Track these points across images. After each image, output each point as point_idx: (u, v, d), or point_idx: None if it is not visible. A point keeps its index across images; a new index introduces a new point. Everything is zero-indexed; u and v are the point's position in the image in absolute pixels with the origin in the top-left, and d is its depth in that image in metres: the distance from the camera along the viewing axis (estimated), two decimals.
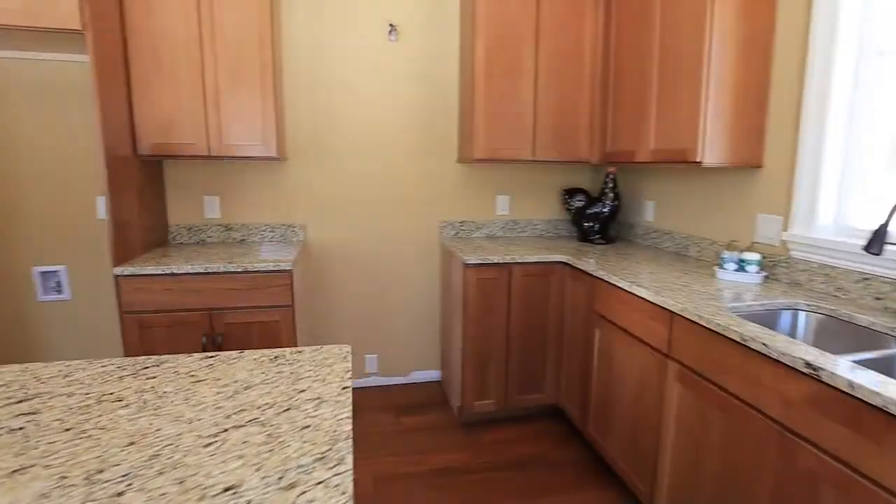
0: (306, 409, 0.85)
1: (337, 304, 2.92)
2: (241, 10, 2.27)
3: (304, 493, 0.63)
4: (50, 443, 0.74)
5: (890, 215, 1.29)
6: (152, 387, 0.94)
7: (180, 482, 0.64)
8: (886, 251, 1.46)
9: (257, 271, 2.17)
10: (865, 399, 0.97)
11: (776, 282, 1.83)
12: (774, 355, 1.18)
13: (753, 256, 1.80)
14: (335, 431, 0.77)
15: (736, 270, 1.84)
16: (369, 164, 2.84)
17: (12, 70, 2.36)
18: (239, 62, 2.30)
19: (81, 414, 0.83)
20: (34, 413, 0.83)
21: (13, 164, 2.43)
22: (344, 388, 0.94)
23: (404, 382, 3.07)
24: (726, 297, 1.62)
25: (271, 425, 0.79)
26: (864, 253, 1.42)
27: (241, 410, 0.84)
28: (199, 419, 0.81)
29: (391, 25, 2.73)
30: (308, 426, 0.79)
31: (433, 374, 3.11)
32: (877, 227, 1.31)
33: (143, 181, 2.36)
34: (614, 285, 1.95)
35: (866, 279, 1.53)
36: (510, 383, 2.51)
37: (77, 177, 2.50)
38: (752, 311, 1.55)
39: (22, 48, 2.29)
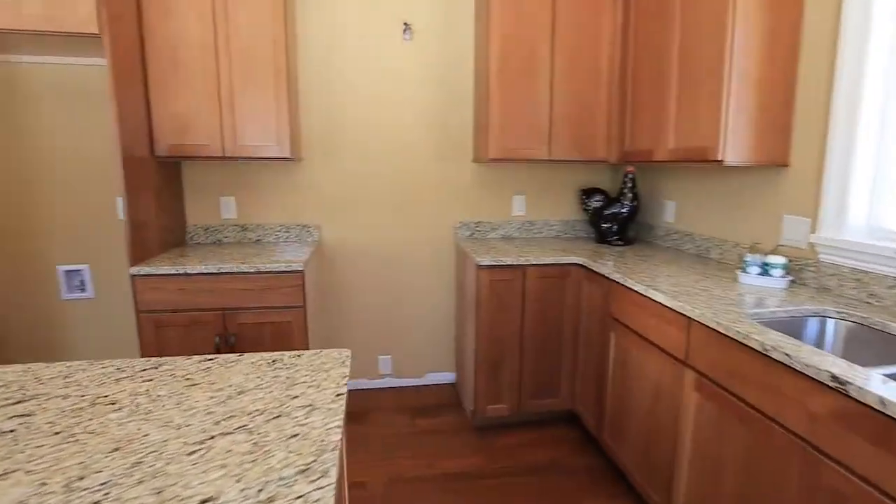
0: (297, 417, 0.83)
1: (351, 304, 2.92)
2: (255, 12, 2.28)
3: None
4: (37, 446, 0.73)
5: None
6: (147, 390, 0.93)
7: (158, 492, 0.63)
8: None
9: (269, 272, 2.18)
10: None
11: (803, 287, 1.73)
12: (798, 367, 1.10)
13: (778, 260, 1.71)
14: (323, 441, 0.75)
15: (759, 274, 1.75)
16: (384, 163, 2.82)
17: (37, 74, 2.43)
18: (253, 63, 2.31)
19: (73, 417, 0.83)
20: (28, 415, 0.83)
21: (38, 166, 2.49)
22: (338, 394, 0.91)
23: (419, 384, 3.05)
24: (748, 302, 1.54)
25: (259, 433, 0.77)
26: None
27: (231, 416, 0.83)
28: (188, 425, 0.80)
29: (406, 25, 2.70)
30: (296, 435, 0.77)
31: (448, 376, 3.08)
32: None
33: (160, 182, 2.39)
34: (630, 288, 1.88)
35: None
36: (524, 387, 2.46)
37: (99, 178, 2.55)
38: (775, 317, 1.47)
39: (45, 53, 2.34)
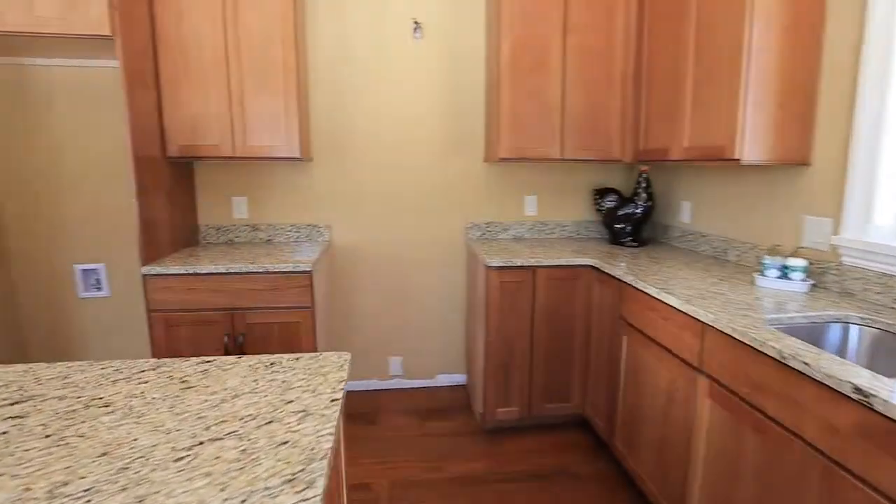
0: (289, 423, 0.81)
1: (361, 304, 2.91)
2: (264, 12, 2.28)
3: None
4: (26, 450, 0.73)
5: None
6: (142, 392, 0.92)
7: (140, 501, 0.61)
8: None
9: (278, 272, 2.17)
10: None
11: (824, 291, 1.66)
12: (818, 377, 1.05)
13: (799, 262, 1.65)
14: (313, 449, 0.73)
15: (778, 278, 1.69)
16: (395, 163, 2.81)
17: (54, 76, 2.47)
18: (263, 64, 2.31)
19: (66, 419, 0.82)
20: (22, 417, 0.83)
21: (57, 167, 2.53)
22: (333, 400, 0.89)
23: (429, 386, 3.02)
24: (766, 307, 1.48)
25: (249, 439, 0.76)
26: None
27: (223, 421, 0.81)
28: (178, 430, 0.78)
29: (416, 23, 2.68)
30: (286, 442, 0.75)
31: (459, 378, 3.05)
32: None
33: (172, 182, 2.41)
34: (642, 291, 1.82)
35: None
36: (534, 391, 2.42)
37: (115, 178, 2.58)
38: (794, 323, 1.40)
39: (60, 55, 2.38)
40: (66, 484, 0.65)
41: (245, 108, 2.33)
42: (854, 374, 1.01)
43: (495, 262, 2.28)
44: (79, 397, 0.90)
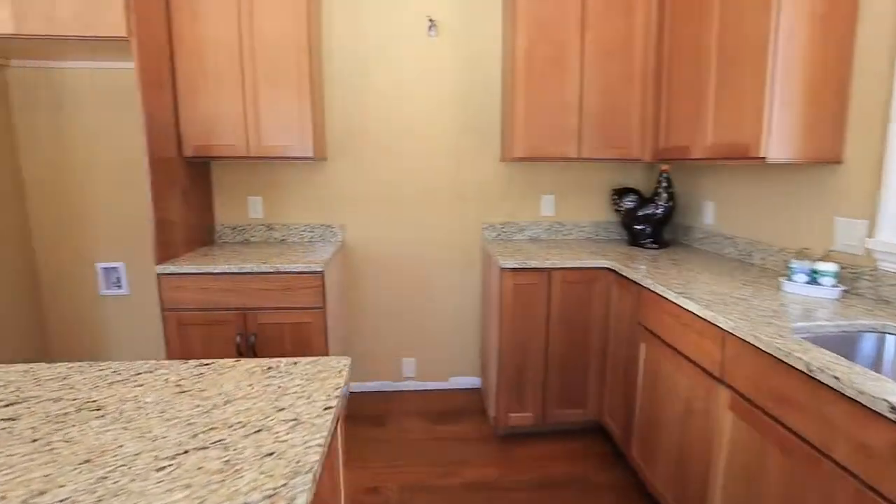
0: (278, 432, 0.78)
1: (375, 304, 2.89)
2: (278, 11, 2.27)
3: None
4: (10, 455, 0.71)
5: None
6: (136, 396, 0.90)
7: None
8: None
9: (289, 272, 2.16)
10: None
11: (857, 298, 1.56)
12: (850, 392, 0.97)
13: (829, 267, 1.55)
14: (299, 462, 0.69)
15: (807, 283, 1.59)
16: (409, 162, 2.77)
17: (80, 79, 2.51)
18: (277, 63, 2.31)
19: (56, 423, 0.80)
20: (13, 419, 0.82)
21: (79, 167, 2.58)
22: (327, 408, 0.86)
23: (442, 388, 2.98)
24: (793, 314, 1.39)
25: (234, 449, 0.73)
26: None
27: (211, 429, 0.79)
28: (165, 437, 0.76)
29: (431, 21, 2.64)
30: (272, 453, 0.72)
31: (473, 381, 3.00)
32: None
33: (188, 182, 2.43)
34: (660, 295, 1.75)
35: None
36: (549, 396, 2.36)
37: (135, 178, 2.62)
38: (823, 332, 1.32)
39: (80, 57, 2.42)
40: (42, 493, 0.63)
41: (259, 108, 2.33)
42: (890, 391, 0.92)
43: (510, 264, 2.22)
44: (73, 400, 0.89)
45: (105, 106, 2.55)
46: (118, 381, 0.96)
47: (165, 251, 2.20)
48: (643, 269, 2.02)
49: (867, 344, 1.33)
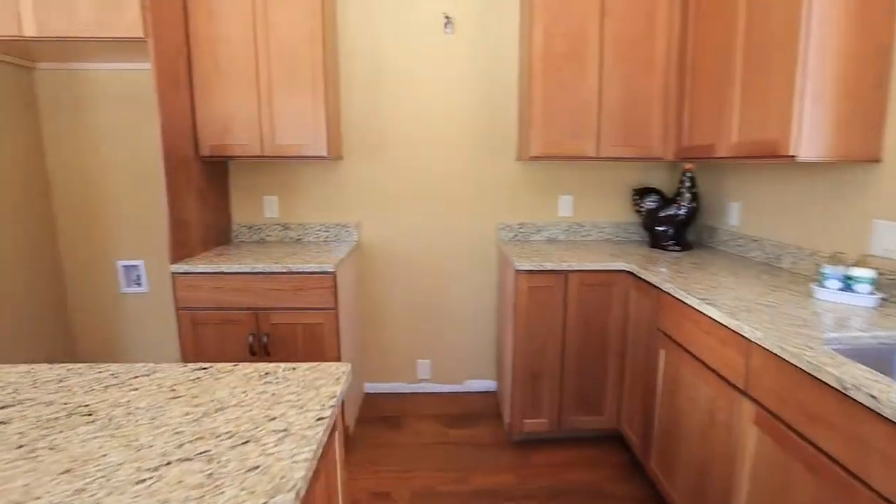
0: (266, 444, 0.74)
1: (390, 304, 2.86)
2: (293, 9, 2.26)
3: None
4: None
5: None
6: (128, 401, 0.88)
7: None
8: None
9: (301, 272, 2.15)
10: None
11: None
12: (888, 413, 0.89)
13: (865, 273, 1.44)
14: (283, 478, 0.66)
15: (840, 289, 1.49)
16: (425, 162, 2.74)
17: (102, 80, 2.55)
18: (291, 62, 2.30)
19: (45, 428, 0.79)
20: (4, 423, 0.81)
21: (101, 167, 2.62)
22: (320, 418, 0.82)
23: (457, 391, 2.94)
24: (824, 323, 1.30)
25: (219, 462, 0.70)
26: None
27: (198, 438, 0.76)
28: (151, 446, 0.74)
29: (447, 17, 2.60)
30: (257, 467, 0.68)
31: (489, 385, 2.95)
32: None
33: (205, 182, 2.44)
34: (681, 301, 1.66)
35: None
36: (565, 402, 2.29)
37: (155, 177, 2.65)
38: (858, 344, 1.22)
39: (101, 59, 2.45)
40: None
41: (273, 107, 2.33)
42: None
43: (525, 266, 2.17)
44: (66, 404, 0.87)
45: (126, 106, 2.59)
46: (114, 385, 0.95)
47: (181, 250, 2.22)
48: (664, 272, 1.94)
49: None
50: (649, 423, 1.94)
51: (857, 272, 1.46)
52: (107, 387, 0.94)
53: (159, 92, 2.05)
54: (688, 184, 2.33)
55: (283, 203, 2.76)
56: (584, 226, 2.81)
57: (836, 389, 1.01)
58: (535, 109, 2.33)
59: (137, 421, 0.81)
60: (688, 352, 1.65)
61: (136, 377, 0.99)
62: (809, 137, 1.49)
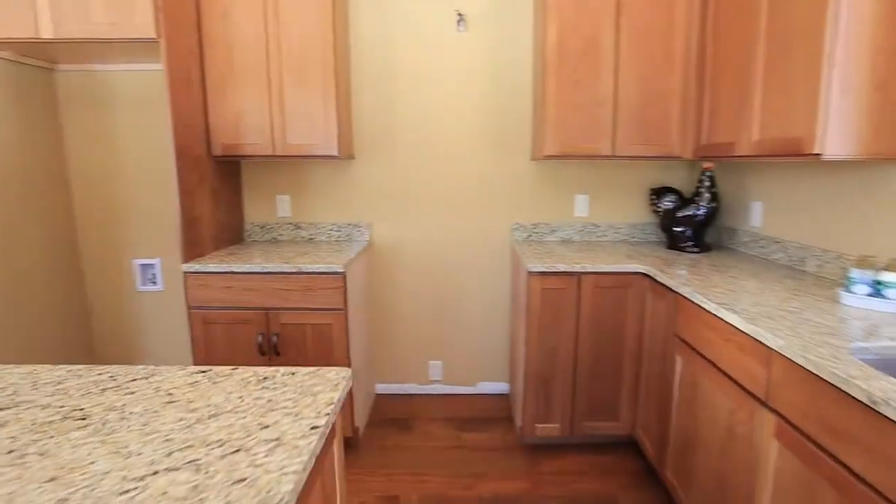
0: (256, 454, 0.72)
1: (402, 304, 2.84)
2: (304, 10, 2.25)
3: None
4: None
5: None
6: (124, 405, 0.87)
7: None
8: None
9: (311, 273, 2.14)
10: None
11: None
12: None
13: None
14: (269, 492, 0.63)
15: (869, 295, 1.41)
16: (438, 161, 2.70)
17: (119, 80, 2.58)
18: (302, 62, 2.29)
19: (37, 433, 0.78)
20: None
21: (118, 167, 2.66)
22: (314, 427, 0.79)
23: (469, 393, 2.90)
24: (852, 332, 1.23)
25: (206, 472, 0.67)
26: None
27: (189, 447, 0.74)
28: (140, 454, 0.72)
29: (459, 15, 2.56)
30: (244, 479, 0.66)
31: (502, 387, 2.90)
32: None
33: (217, 181, 2.45)
34: (699, 305, 1.60)
35: None
36: (578, 407, 2.23)
37: (170, 176, 2.66)
38: (890, 355, 1.15)
39: (117, 60, 2.48)
40: None
41: (284, 107, 2.32)
42: None
43: (537, 267, 2.12)
44: (61, 407, 0.86)
45: (142, 106, 2.61)
46: (111, 388, 0.94)
47: (193, 249, 2.22)
48: (681, 274, 1.87)
49: None
50: (665, 430, 1.88)
51: (887, 277, 1.38)
52: (104, 390, 0.93)
53: (171, 92, 2.06)
54: (707, 183, 2.25)
55: (296, 202, 2.76)
56: (599, 226, 2.75)
57: (864, 404, 0.94)
58: (549, 107, 2.28)
59: (130, 426, 0.80)
60: (706, 359, 1.58)
61: (134, 380, 0.98)
62: (837, 134, 1.41)
